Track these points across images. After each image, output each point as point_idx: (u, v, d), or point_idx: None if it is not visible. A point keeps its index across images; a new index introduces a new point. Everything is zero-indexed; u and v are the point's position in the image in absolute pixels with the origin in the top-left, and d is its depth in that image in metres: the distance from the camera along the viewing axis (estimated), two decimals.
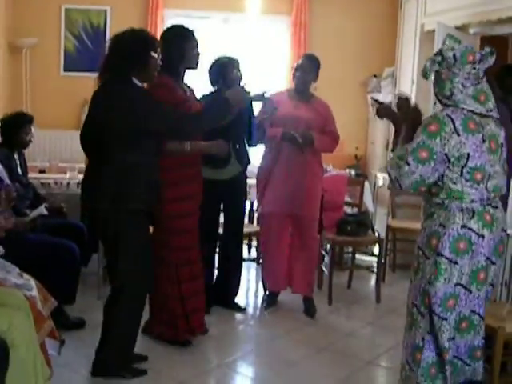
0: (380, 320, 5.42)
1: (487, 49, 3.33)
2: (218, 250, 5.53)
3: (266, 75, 7.72)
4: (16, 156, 5.29)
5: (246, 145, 5.24)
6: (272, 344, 4.82)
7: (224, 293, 5.49)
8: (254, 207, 6.96)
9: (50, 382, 3.49)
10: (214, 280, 5.47)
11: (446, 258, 3.23)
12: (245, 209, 5.74)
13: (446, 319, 3.28)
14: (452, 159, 3.18)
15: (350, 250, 6.54)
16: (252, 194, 6.02)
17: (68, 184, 5.95)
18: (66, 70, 7.41)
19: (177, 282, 4.48)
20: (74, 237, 4.94)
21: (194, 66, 4.52)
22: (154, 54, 3.84)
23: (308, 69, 5.30)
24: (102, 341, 4.01)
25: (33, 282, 3.65)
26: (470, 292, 3.31)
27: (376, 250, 6.20)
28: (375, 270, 6.06)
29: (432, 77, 3.36)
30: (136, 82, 3.83)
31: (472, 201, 3.24)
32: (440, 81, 3.31)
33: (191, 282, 4.56)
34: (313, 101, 5.38)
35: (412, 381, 3.40)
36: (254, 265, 6.75)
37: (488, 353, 3.60)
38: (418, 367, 3.37)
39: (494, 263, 3.33)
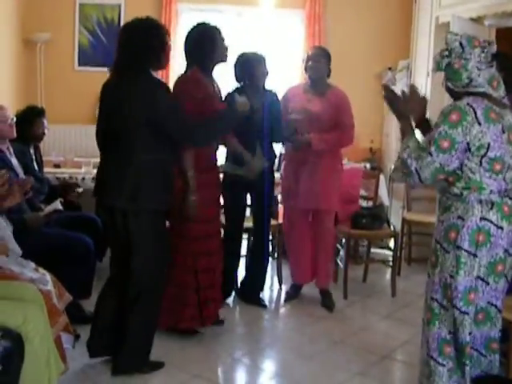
0: (395, 314, 5.40)
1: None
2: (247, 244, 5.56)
3: (281, 69, 7.68)
4: (32, 151, 5.30)
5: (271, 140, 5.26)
6: (287, 338, 4.82)
7: (248, 287, 5.52)
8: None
9: (65, 376, 3.51)
10: (240, 274, 5.52)
11: (466, 250, 3.20)
12: (271, 205, 5.73)
13: (467, 313, 3.26)
14: (472, 148, 3.15)
15: (366, 243, 6.52)
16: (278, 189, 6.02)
17: (83, 178, 5.95)
18: (80, 64, 7.42)
19: (194, 271, 4.49)
20: (88, 231, 4.95)
21: (225, 60, 4.54)
22: (169, 42, 3.87)
23: (320, 58, 5.28)
24: (121, 343, 3.98)
25: (48, 277, 3.67)
26: (488, 284, 3.28)
27: (391, 243, 6.18)
28: (391, 263, 6.04)
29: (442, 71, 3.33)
30: (153, 73, 3.84)
31: (491, 192, 3.21)
32: (454, 72, 3.28)
33: (208, 273, 4.57)
34: (328, 92, 5.33)
35: (439, 375, 3.36)
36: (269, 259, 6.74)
37: (503, 347, 3.58)
38: (450, 360, 3.35)
39: (510, 255, 3.30)
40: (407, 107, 3.51)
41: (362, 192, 6.59)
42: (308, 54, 5.36)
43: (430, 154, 3.17)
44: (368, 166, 7.44)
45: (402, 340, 4.78)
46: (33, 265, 3.72)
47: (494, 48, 3.30)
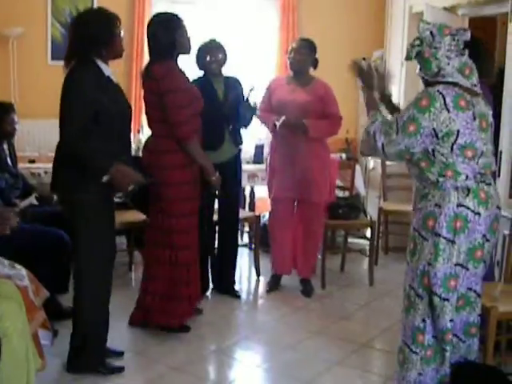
0: (374, 302, 5.44)
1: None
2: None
3: (255, 59, 7.67)
4: (5, 146, 5.25)
5: (238, 126, 5.27)
6: (266, 329, 4.83)
7: (221, 279, 5.52)
8: (246, 193, 6.97)
9: (43, 372, 3.50)
10: (211, 265, 5.48)
11: (444, 237, 3.24)
12: (240, 194, 5.74)
13: (447, 300, 3.30)
14: (440, 134, 3.20)
15: (343, 233, 6.54)
16: (243, 179, 6.00)
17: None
18: (53, 58, 7.32)
19: (186, 265, 4.50)
20: (65, 225, 4.91)
21: (187, 51, 4.52)
22: (117, 31, 3.80)
23: (302, 50, 5.29)
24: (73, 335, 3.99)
25: (24, 272, 3.63)
26: (467, 269, 3.32)
27: (368, 232, 6.21)
28: (368, 252, 6.08)
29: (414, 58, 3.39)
30: (101, 64, 3.77)
31: (466, 178, 3.25)
32: (424, 61, 3.33)
33: (195, 266, 4.59)
34: (312, 83, 5.35)
35: (413, 362, 3.42)
36: (246, 250, 6.75)
37: (482, 333, 3.61)
38: (422, 348, 3.40)
39: (488, 240, 3.34)
40: (372, 81, 3.66)
41: (339, 182, 6.60)
42: (292, 46, 5.34)
43: (396, 133, 3.25)
44: (344, 156, 7.45)
45: (381, 328, 4.81)
46: (9, 261, 3.69)
47: (467, 35, 3.34)
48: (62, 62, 3.86)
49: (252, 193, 7.02)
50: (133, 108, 4.58)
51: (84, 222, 3.82)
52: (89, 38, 3.72)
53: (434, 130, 3.19)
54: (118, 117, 3.80)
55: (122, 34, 3.87)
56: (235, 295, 5.47)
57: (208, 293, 5.43)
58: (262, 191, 7.15)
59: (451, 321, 3.34)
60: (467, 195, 3.25)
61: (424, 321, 3.38)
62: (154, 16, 4.57)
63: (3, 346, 3.01)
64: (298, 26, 7.70)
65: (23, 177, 5.41)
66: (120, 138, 3.84)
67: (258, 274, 5.99)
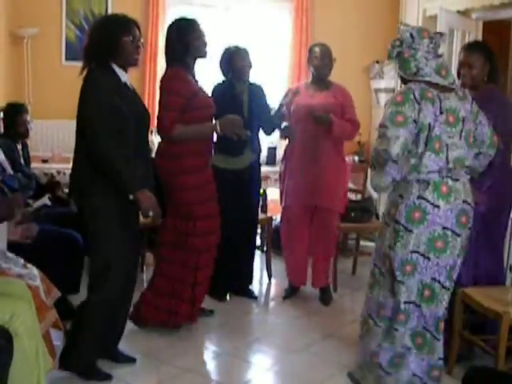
0: None
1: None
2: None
3: (269, 62, 7.68)
4: (19, 147, 5.28)
5: (258, 133, 5.31)
6: (278, 331, 4.83)
7: (237, 280, 5.53)
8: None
9: (54, 371, 3.51)
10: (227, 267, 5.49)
11: (403, 225, 3.51)
12: (259, 198, 5.74)
13: (402, 283, 3.54)
14: (418, 126, 3.41)
15: (355, 236, 6.53)
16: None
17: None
18: (67, 59, 7.37)
19: (194, 268, 4.50)
20: (77, 226, 4.93)
21: (203, 55, 4.53)
22: (126, 38, 3.74)
23: (326, 57, 5.27)
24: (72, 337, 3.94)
25: (36, 272, 3.65)
26: (429, 259, 3.51)
27: None
28: None
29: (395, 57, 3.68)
30: (117, 69, 3.76)
31: (429, 172, 3.42)
32: (404, 61, 3.58)
33: (206, 269, 4.60)
34: (331, 88, 5.33)
35: (375, 334, 3.71)
36: (258, 252, 6.74)
37: (493, 338, 3.61)
38: (382, 321, 3.68)
39: (458, 235, 3.50)
40: None
41: (351, 185, 6.59)
42: (315, 52, 5.28)
43: (388, 128, 3.41)
44: (356, 159, 7.44)
45: None
46: (21, 260, 3.71)
47: (444, 39, 3.67)
48: (76, 63, 3.90)
49: (264, 195, 7.00)
50: None
51: (102, 226, 3.78)
52: (99, 44, 3.73)
53: (414, 121, 3.39)
54: (135, 123, 3.77)
55: (138, 41, 3.81)
56: (251, 296, 5.48)
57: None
58: (274, 193, 7.14)
59: (405, 303, 3.56)
60: (427, 188, 3.46)
61: (385, 297, 3.66)
62: (171, 21, 4.59)
63: (14, 345, 3.02)
64: (311, 28, 7.70)
65: (36, 177, 5.44)
66: (137, 144, 3.81)
67: (270, 276, 5.99)
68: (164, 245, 4.62)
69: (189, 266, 4.49)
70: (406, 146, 3.40)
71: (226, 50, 5.21)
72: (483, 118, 3.63)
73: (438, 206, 3.45)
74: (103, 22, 3.91)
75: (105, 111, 3.59)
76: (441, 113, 3.42)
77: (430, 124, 3.39)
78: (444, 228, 3.47)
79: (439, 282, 3.56)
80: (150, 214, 3.73)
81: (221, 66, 5.22)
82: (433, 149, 3.40)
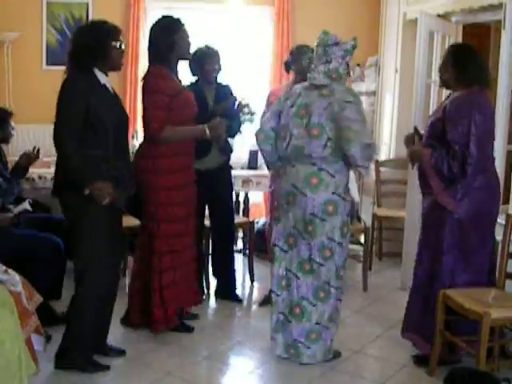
0: (367, 308, 5.44)
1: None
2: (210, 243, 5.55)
3: (250, 66, 7.69)
4: None
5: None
6: (260, 335, 4.81)
7: (221, 285, 5.56)
8: (240, 198, 6.97)
9: (36, 377, 3.49)
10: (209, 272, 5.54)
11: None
12: (233, 200, 5.74)
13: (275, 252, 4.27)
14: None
15: None
16: (237, 184, 6.02)
17: (52, 178, 5.90)
18: (48, 63, 7.35)
19: (158, 271, 4.49)
20: (58, 231, 4.91)
21: (187, 56, 4.54)
22: (113, 44, 3.82)
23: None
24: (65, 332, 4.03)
25: (18, 278, 3.62)
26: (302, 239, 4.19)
27: (362, 238, 6.20)
28: (362, 258, 6.08)
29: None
30: (98, 73, 3.82)
31: (279, 158, 4.28)
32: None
33: (172, 272, 4.55)
34: None
35: (279, 304, 4.26)
36: (240, 256, 6.74)
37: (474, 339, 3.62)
38: (284, 290, 4.26)
39: (317, 216, 4.07)
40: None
41: None
42: (304, 51, 5.29)
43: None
44: None
45: (374, 335, 4.81)
46: (3, 266, 3.68)
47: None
48: (56, 67, 3.92)
49: (246, 198, 7.01)
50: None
51: (86, 225, 3.85)
52: (85, 50, 3.77)
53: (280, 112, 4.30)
54: (113, 124, 3.82)
55: (123, 47, 3.90)
56: (237, 299, 5.49)
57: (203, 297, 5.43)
58: (255, 197, 7.17)
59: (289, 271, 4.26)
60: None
61: (287, 270, 4.25)
62: (157, 19, 4.57)
63: None
64: (292, 32, 7.71)
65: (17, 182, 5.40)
66: (116, 145, 3.85)
67: (252, 280, 6.00)
68: (138, 247, 4.67)
69: (153, 268, 4.49)
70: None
71: (198, 49, 5.17)
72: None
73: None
74: (90, 28, 3.95)
75: (75, 111, 3.69)
76: (291, 106, 4.16)
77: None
78: (286, 200, 4.20)
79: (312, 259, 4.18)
80: (106, 200, 3.76)
81: (190, 66, 5.18)
82: (281, 136, 4.20)
